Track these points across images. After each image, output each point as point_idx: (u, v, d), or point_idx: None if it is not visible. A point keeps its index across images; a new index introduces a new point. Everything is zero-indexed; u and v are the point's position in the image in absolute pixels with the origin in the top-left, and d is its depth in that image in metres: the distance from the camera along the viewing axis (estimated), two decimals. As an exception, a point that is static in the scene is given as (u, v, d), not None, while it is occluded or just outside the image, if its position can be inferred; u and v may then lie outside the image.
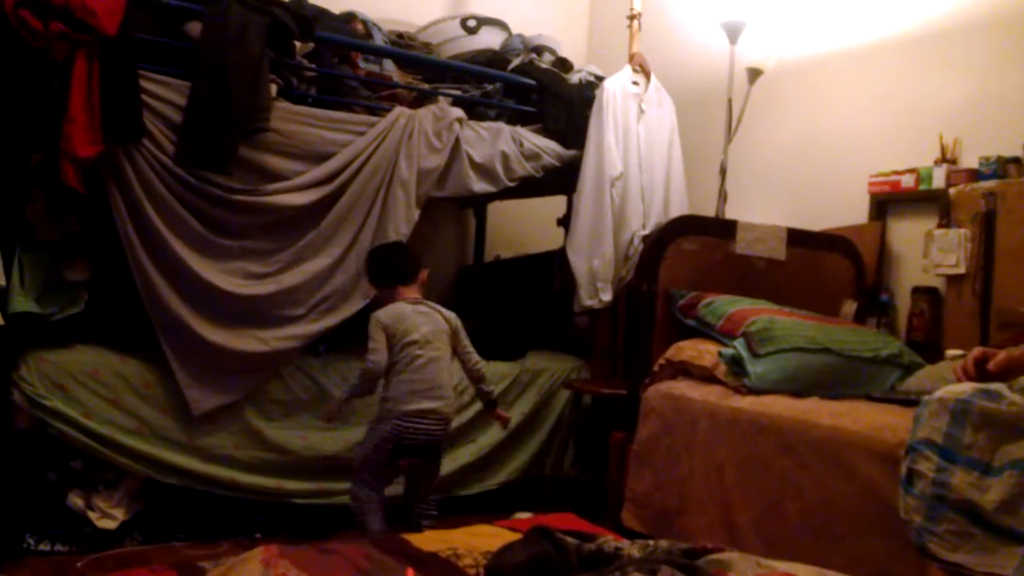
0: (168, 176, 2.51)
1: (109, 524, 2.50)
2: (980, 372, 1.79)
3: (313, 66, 2.89)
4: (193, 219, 2.57)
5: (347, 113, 2.88)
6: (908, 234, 3.15)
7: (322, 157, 2.77)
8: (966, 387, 1.69)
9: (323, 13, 3.03)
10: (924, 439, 1.66)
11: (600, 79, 3.44)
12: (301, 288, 2.73)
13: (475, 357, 2.68)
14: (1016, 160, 2.80)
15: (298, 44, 2.79)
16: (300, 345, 2.76)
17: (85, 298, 2.54)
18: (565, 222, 3.58)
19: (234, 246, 2.66)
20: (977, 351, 1.83)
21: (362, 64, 3.06)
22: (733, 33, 3.41)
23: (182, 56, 2.54)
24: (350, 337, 3.07)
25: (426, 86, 3.20)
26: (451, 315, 2.65)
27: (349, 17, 3.20)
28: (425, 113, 2.97)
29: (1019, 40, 2.87)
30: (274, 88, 2.67)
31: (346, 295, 2.81)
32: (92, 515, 2.49)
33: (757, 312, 2.64)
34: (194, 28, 2.56)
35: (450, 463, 3.09)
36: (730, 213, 3.43)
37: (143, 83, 2.45)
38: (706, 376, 2.62)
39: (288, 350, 2.73)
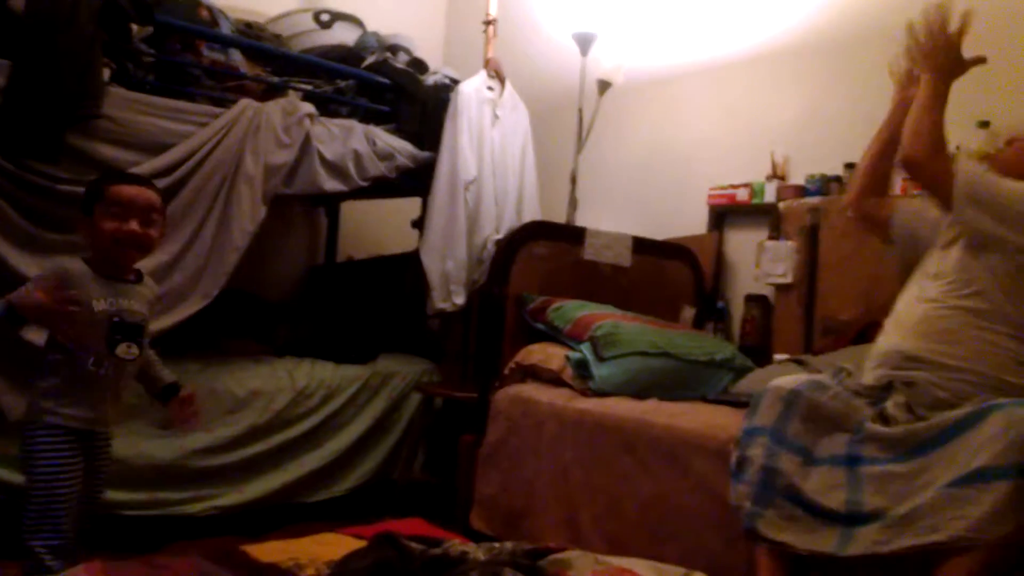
0: (-16, 163, 2.30)
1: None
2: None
3: (152, 51, 2.73)
4: (13, 211, 2.36)
5: (188, 103, 2.73)
6: (743, 244, 3.35)
7: (160, 148, 2.61)
8: (798, 378, 1.82)
9: (165, -4, 2.87)
10: (759, 425, 1.77)
11: (455, 82, 3.44)
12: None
13: None
14: (838, 179, 3.03)
15: (136, 28, 2.63)
16: (132, 347, 2.59)
17: None
18: (420, 224, 3.56)
19: (60, 240, 2.46)
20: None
21: (207, 52, 2.91)
22: (584, 45, 3.51)
23: (3, 34, 2.33)
24: (186, 339, 2.93)
25: (275, 79, 3.09)
26: None
27: (194, 3, 3.03)
28: (274, 107, 2.87)
29: (842, 67, 3.11)
30: (107, 73, 2.50)
31: (183, 295, 2.66)
32: None
33: (603, 317, 2.72)
34: (17, 3, 2.36)
35: (296, 469, 3.01)
36: (579, 220, 3.52)
37: (-44, 60, 2.24)
38: (553, 379, 2.67)
39: (118, 353, 2.55)
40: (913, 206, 2.09)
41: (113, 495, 2.56)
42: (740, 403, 2.41)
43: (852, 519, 1.63)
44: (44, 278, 1.81)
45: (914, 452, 1.62)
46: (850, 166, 2.99)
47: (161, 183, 2.59)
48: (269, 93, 3.02)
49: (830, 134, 3.12)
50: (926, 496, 1.54)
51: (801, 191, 3.12)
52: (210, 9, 3.04)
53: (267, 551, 1.76)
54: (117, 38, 2.54)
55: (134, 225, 1.82)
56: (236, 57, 3.00)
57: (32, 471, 1.78)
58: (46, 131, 2.34)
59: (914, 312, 1.85)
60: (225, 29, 3.06)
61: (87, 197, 1.86)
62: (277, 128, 2.85)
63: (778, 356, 2.86)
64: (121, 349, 1.85)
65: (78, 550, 1.85)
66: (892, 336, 1.87)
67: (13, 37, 2.31)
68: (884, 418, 1.77)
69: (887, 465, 1.64)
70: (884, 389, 1.82)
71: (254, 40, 3.17)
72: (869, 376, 1.87)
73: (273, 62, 3.18)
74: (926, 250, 1.98)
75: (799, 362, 2.62)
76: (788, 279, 3.07)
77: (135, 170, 2.56)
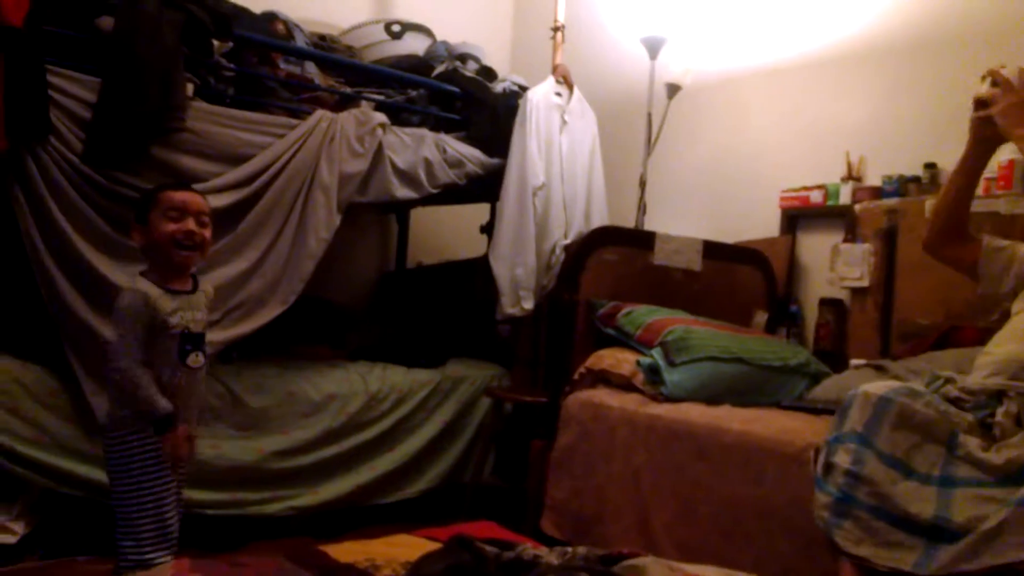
0: (76, 176, 2.41)
1: (8, 539, 2.38)
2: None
3: (232, 65, 2.82)
4: (102, 220, 2.47)
5: (266, 115, 2.82)
6: (816, 248, 3.28)
7: (239, 159, 2.70)
8: (889, 384, 1.77)
9: (242, 12, 2.95)
10: (847, 431, 1.72)
11: (524, 89, 3.47)
12: (215, 293, 2.65)
13: None
14: (916, 179, 2.95)
15: (217, 43, 2.72)
16: (213, 352, 2.67)
17: (-17, 302, 2.41)
18: (488, 230, 3.59)
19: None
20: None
21: (283, 65, 3.00)
22: (653, 49, 3.49)
23: (93, 51, 2.45)
24: (264, 343, 3.01)
25: (348, 90, 3.16)
26: None
27: (270, 17, 3.13)
28: (347, 117, 2.94)
29: (919, 67, 3.03)
30: (190, 87, 2.60)
31: (262, 301, 2.74)
32: (-11, 530, 2.36)
33: (674, 322, 2.70)
34: (106, 22, 2.47)
35: (368, 472, 3.06)
36: (649, 225, 3.50)
37: (51, 78, 2.34)
38: (624, 384, 2.66)
39: (201, 357, 2.64)
40: (1001, 251, 2.05)
41: (196, 495, 2.66)
42: (816, 409, 2.37)
43: (937, 534, 1.57)
44: (133, 310, 1.83)
45: (1013, 480, 1.56)
46: (930, 166, 2.91)
47: (241, 193, 2.70)
48: (343, 103, 3.10)
49: (907, 134, 3.04)
50: (1011, 510, 1.48)
51: (877, 192, 3.05)
52: (286, 23, 3.14)
53: (344, 551, 1.80)
54: (199, 53, 2.64)
55: (191, 225, 1.90)
56: (311, 69, 3.08)
57: (128, 476, 1.84)
58: (132, 144, 2.45)
59: None
60: (300, 42, 3.14)
61: (141, 206, 1.93)
62: (351, 138, 2.91)
63: (855, 361, 2.79)
64: (191, 359, 1.92)
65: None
66: (1009, 345, 1.83)
67: (102, 55, 2.42)
68: (985, 426, 1.71)
69: (981, 488, 1.58)
70: (993, 396, 1.76)
71: (328, 52, 3.25)
72: (977, 381, 1.82)
73: (346, 73, 3.25)
74: (1017, 277, 1.98)
75: (878, 367, 2.55)
76: (864, 282, 3.00)
77: (217, 181, 2.66)
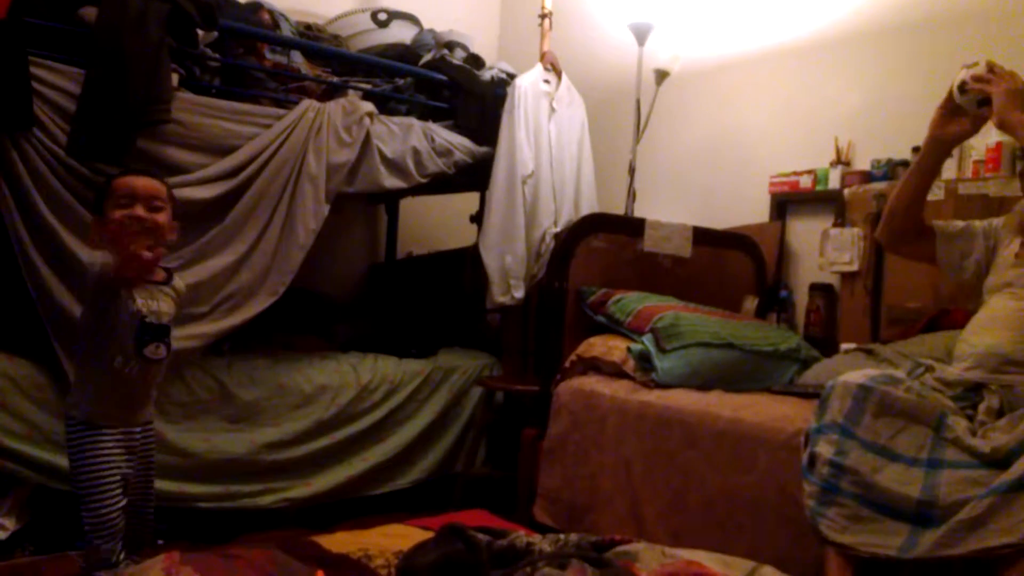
0: (61, 168, 2.39)
1: (-1, 534, 2.38)
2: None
3: (217, 56, 2.80)
4: (83, 209, 2.46)
5: (253, 105, 2.80)
6: (806, 233, 3.29)
7: (226, 150, 2.68)
8: (867, 372, 1.77)
9: (228, 2, 2.93)
10: (828, 422, 1.72)
11: (512, 76, 3.45)
12: (204, 285, 2.64)
13: None
14: (905, 163, 2.95)
15: (202, 33, 2.70)
16: (202, 345, 2.67)
17: (-32, 296, 2.40)
18: (478, 219, 3.59)
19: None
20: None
21: (269, 55, 2.98)
22: (641, 35, 3.47)
23: (77, 42, 2.42)
24: (255, 336, 3.00)
25: (335, 79, 3.15)
26: None
27: (255, 7, 3.11)
28: (334, 107, 2.92)
29: (908, 50, 3.03)
30: (175, 78, 2.58)
31: (251, 293, 2.73)
32: (-21, 525, 2.35)
33: (664, 308, 2.70)
34: (89, 13, 2.44)
35: (361, 463, 3.06)
36: (638, 211, 3.50)
37: (34, 70, 2.31)
38: (615, 371, 2.67)
39: (190, 350, 2.62)
40: (958, 237, 2.06)
41: (189, 488, 2.66)
42: (806, 394, 2.38)
43: (923, 518, 1.58)
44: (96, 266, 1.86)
45: (999, 464, 1.57)
46: (918, 150, 2.90)
47: (228, 184, 2.68)
48: (330, 93, 3.08)
49: (896, 118, 3.04)
50: (996, 496, 1.49)
51: (867, 177, 3.05)
52: (271, 13, 3.11)
53: (337, 542, 1.80)
54: (184, 44, 2.61)
55: (140, 210, 1.83)
56: (297, 59, 3.06)
57: (75, 463, 1.86)
58: (117, 135, 2.42)
59: (1012, 314, 1.82)
60: (286, 31, 3.12)
61: (97, 198, 1.89)
62: (338, 127, 2.90)
63: (845, 345, 2.80)
64: (149, 350, 1.88)
65: (140, 540, 1.96)
66: (988, 336, 1.82)
67: (86, 46, 2.40)
68: (966, 417, 1.71)
69: (968, 471, 1.58)
70: (972, 389, 1.77)
71: (314, 41, 3.22)
72: (957, 373, 1.82)
73: (333, 62, 3.23)
74: (979, 262, 1.99)
75: (867, 351, 2.56)
76: (854, 267, 3.01)
77: (203, 172, 2.64)
